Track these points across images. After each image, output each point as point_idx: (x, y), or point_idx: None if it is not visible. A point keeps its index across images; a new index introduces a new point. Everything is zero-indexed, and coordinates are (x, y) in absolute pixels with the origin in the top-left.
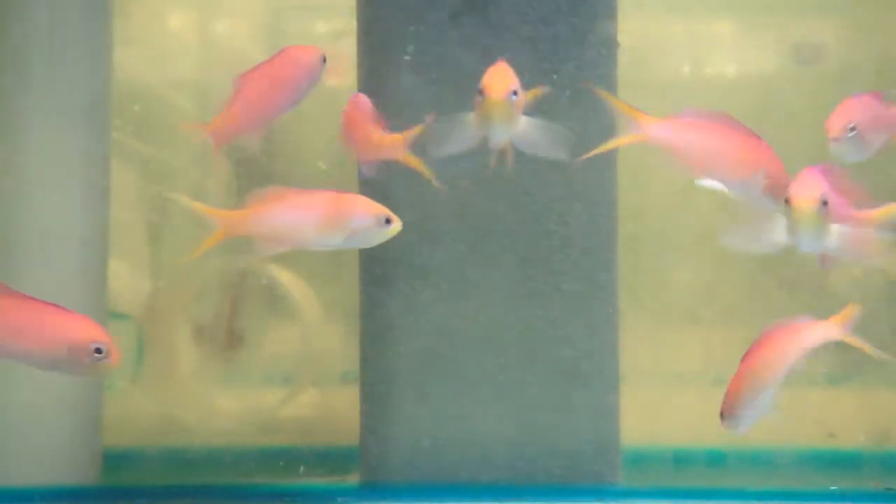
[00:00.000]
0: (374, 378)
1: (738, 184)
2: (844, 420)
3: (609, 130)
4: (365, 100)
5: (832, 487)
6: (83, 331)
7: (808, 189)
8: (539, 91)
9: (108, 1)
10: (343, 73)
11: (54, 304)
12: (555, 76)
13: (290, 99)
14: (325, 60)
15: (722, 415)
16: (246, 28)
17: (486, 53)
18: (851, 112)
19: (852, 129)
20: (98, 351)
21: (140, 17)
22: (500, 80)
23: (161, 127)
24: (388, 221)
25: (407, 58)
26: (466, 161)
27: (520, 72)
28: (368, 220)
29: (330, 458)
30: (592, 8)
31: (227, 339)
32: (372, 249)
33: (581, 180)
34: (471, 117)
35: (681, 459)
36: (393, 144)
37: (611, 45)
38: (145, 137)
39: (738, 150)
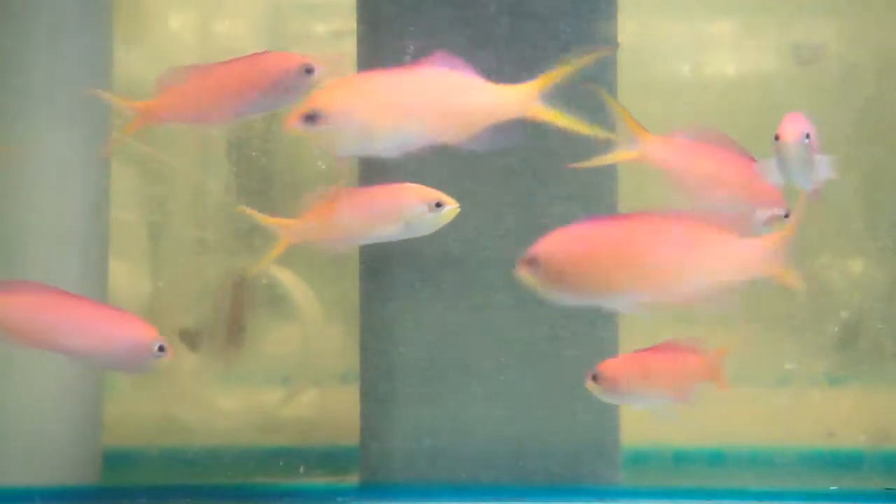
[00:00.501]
0: (374, 378)
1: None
2: (844, 420)
3: (605, 131)
4: None
5: (832, 487)
6: (147, 331)
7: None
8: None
9: (109, 1)
10: (343, 73)
11: (114, 307)
12: None
13: (252, 102)
14: (310, 71)
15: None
16: (246, 28)
17: (485, 53)
18: (806, 122)
19: (807, 136)
20: (160, 349)
21: (140, 17)
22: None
23: (161, 127)
24: (440, 205)
25: (407, 58)
26: (467, 161)
27: (521, 72)
28: (420, 207)
29: (330, 458)
30: (592, 8)
31: (227, 342)
32: (372, 250)
33: (581, 180)
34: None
35: (681, 459)
36: None
37: (611, 45)
38: (145, 137)
39: (738, 178)
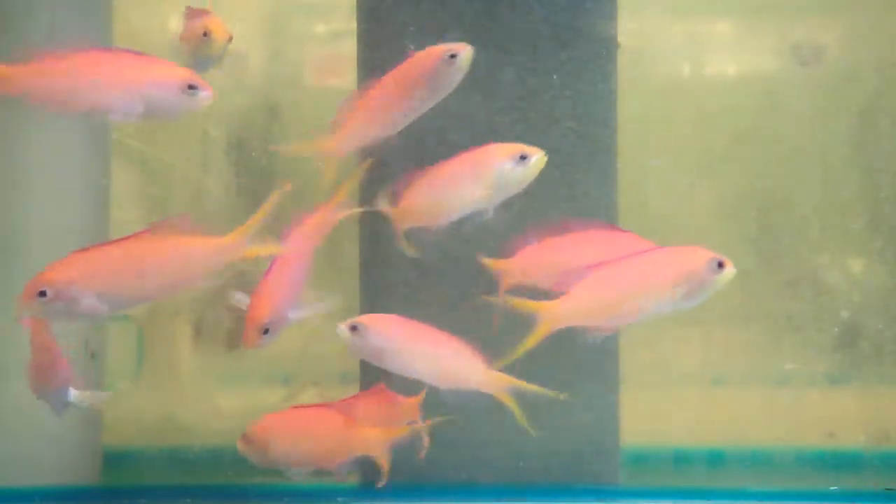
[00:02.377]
0: (374, 378)
1: None
2: (844, 420)
3: (605, 131)
4: None
5: (832, 487)
6: None
7: None
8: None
9: (108, 1)
10: (343, 73)
11: None
12: (555, 76)
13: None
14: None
15: None
16: (246, 28)
17: (485, 53)
18: None
19: None
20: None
21: (140, 17)
22: None
23: (161, 127)
24: (524, 158)
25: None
26: None
27: (521, 72)
28: (506, 164)
29: None
30: (592, 8)
31: (229, 338)
32: (371, 250)
33: (581, 180)
34: None
35: (681, 459)
36: None
37: (611, 45)
38: (145, 137)
39: None
